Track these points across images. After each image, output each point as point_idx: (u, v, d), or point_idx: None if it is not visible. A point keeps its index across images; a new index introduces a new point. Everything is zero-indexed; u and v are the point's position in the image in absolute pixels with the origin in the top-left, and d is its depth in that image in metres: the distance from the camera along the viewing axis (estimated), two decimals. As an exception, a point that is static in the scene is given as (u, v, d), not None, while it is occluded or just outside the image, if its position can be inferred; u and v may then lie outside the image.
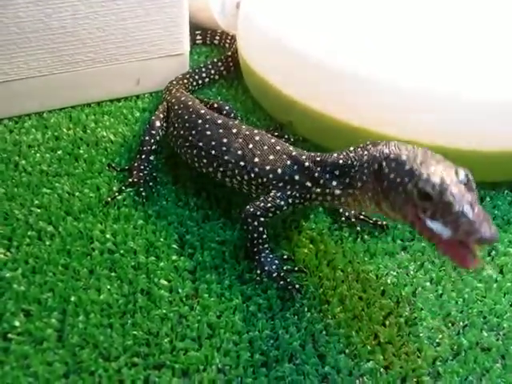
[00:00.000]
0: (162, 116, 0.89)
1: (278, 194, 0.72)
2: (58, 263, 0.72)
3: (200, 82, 1.07)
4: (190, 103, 0.87)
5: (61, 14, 0.92)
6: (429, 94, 0.79)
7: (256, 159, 0.75)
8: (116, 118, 0.99)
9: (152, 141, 0.87)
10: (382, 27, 0.89)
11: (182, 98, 0.89)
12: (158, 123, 0.88)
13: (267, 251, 0.73)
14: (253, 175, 0.74)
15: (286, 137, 0.93)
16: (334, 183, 0.69)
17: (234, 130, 0.78)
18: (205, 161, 0.79)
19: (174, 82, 1.01)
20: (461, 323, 0.69)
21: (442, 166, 0.59)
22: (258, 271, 0.72)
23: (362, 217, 0.80)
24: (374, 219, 0.79)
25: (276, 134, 0.94)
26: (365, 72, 0.81)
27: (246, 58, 1.02)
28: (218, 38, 1.22)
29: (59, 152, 0.90)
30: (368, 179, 0.65)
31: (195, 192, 0.83)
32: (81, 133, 0.94)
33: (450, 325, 0.69)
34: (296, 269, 0.72)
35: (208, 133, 0.80)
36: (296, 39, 0.89)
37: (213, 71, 1.09)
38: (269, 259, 0.72)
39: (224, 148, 0.77)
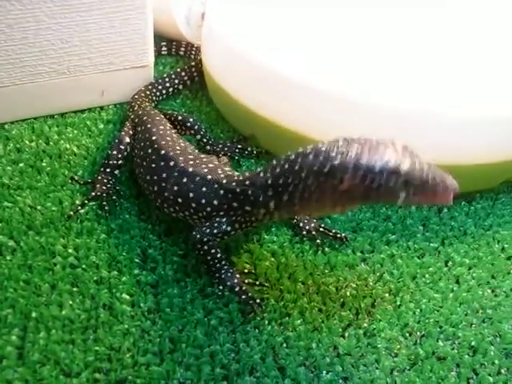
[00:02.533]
0: (130, 132, 0.89)
1: (223, 220, 0.72)
2: (19, 279, 0.72)
3: (164, 92, 1.08)
4: (148, 126, 0.86)
5: (23, 24, 0.91)
6: (392, 109, 0.80)
7: (191, 194, 0.73)
8: (79, 129, 0.98)
9: (119, 156, 0.87)
10: (349, 40, 0.90)
11: (143, 118, 0.89)
12: (126, 139, 0.88)
13: (226, 267, 0.73)
14: (192, 210, 0.74)
15: (249, 149, 0.95)
16: (272, 204, 0.68)
17: (172, 163, 0.76)
18: (152, 195, 0.79)
19: (137, 97, 1.01)
20: (418, 333, 0.71)
21: (388, 147, 0.60)
22: (220, 286, 0.72)
23: (321, 229, 0.81)
24: (334, 231, 0.81)
25: (239, 146, 0.95)
26: (329, 87, 0.82)
27: (209, 69, 1.02)
28: (183, 48, 1.22)
29: (21, 164, 0.89)
30: (322, 194, 0.62)
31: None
32: (43, 145, 0.94)
33: (407, 335, 0.70)
34: (257, 283, 0.73)
35: (153, 165, 0.78)
36: (258, 52, 0.89)
37: (176, 81, 1.09)
38: (229, 274, 0.73)
39: (163, 184, 0.76)
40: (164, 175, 0.76)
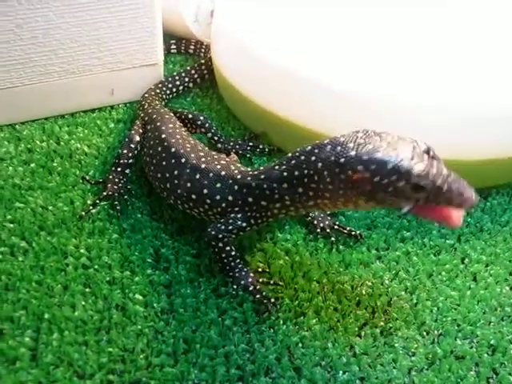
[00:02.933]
0: (140, 131, 0.89)
1: (239, 216, 0.71)
2: (32, 280, 0.72)
3: (174, 90, 1.07)
4: (158, 124, 0.86)
5: (32, 24, 0.91)
6: (404, 106, 0.79)
7: (205, 190, 0.73)
8: (90, 129, 0.98)
9: (130, 154, 0.87)
10: (357, 39, 0.89)
11: (153, 117, 0.89)
12: (137, 137, 0.88)
13: (240, 266, 0.73)
14: (207, 206, 0.73)
15: (261, 147, 0.94)
16: (287, 197, 0.67)
17: (183, 160, 0.76)
18: (165, 193, 0.79)
19: (147, 95, 1.00)
20: (435, 332, 0.70)
21: (407, 146, 0.58)
22: (234, 286, 0.72)
23: (336, 227, 0.80)
24: (349, 229, 0.80)
25: (251, 144, 0.94)
26: (338, 83, 0.81)
27: (219, 67, 1.02)
28: (192, 46, 1.21)
29: (32, 165, 0.89)
30: (336, 186, 0.61)
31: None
32: (54, 145, 0.93)
33: (424, 334, 0.69)
34: (271, 282, 0.73)
35: (164, 163, 0.78)
36: (268, 49, 0.89)
37: (187, 79, 1.09)
38: (243, 273, 0.72)
39: (176, 181, 0.76)
40: (176, 172, 0.76)
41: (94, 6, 0.94)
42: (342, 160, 0.60)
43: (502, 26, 0.94)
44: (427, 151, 0.59)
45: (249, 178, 0.71)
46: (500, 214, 0.86)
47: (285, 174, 0.66)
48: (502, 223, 0.84)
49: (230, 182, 0.72)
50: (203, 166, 0.74)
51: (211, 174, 0.73)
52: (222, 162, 0.76)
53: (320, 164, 0.62)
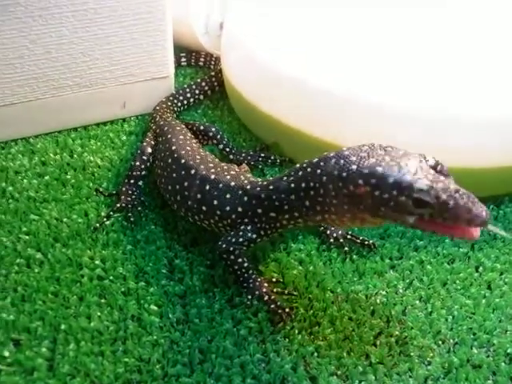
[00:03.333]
0: (152, 143, 0.90)
1: (249, 228, 0.71)
2: (48, 291, 0.72)
3: (185, 102, 1.08)
4: (168, 136, 0.86)
5: (45, 39, 0.93)
6: (416, 113, 0.79)
7: (215, 201, 0.73)
8: (102, 142, 0.99)
9: (142, 166, 0.87)
10: (369, 48, 0.90)
11: (164, 129, 0.90)
12: (149, 149, 0.88)
13: (253, 276, 0.72)
14: (217, 218, 0.73)
15: (273, 158, 0.94)
16: (295, 209, 0.67)
17: (192, 171, 0.76)
18: (175, 205, 0.79)
19: (158, 108, 1.01)
20: (451, 341, 0.69)
21: (412, 160, 0.57)
22: (249, 296, 0.72)
23: (349, 236, 0.80)
24: (361, 238, 0.80)
25: (263, 155, 0.94)
26: (350, 93, 0.82)
27: (229, 78, 1.02)
28: (202, 59, 1.23)
29: (46, 177, 0.90)
30: (340, 201, 0.61)
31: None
32: (68, 158, 0.94)
33: (440, 343, 0.69)
34: (286, 292, 0.73)
35: (174, 175, 0.79)
36: (278, 59, 0.89)
37: (197, 91, 1.10)
38: (257, 283, 0.72)
39: (186, 192, 0.76)
40: (186, 184, 0.76)
41: (106, 20, 0.95)
42: (344, 174, 0.60)
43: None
44: (435, 166, 0.58)
45: (258, 189, 0.71)
46: (513, 222, 0.86)
47: (292, 185, 0.67)
48: (516, 231, 0.84)
49: (240, 192, 0.72)
50: (213, 176, 0.75)
51: (221, 185, 0.73)
52: (232, 172, 0.76)
53: (325, 178, 0.62)
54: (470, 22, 0.97)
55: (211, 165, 0.78)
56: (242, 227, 0.71)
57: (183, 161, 0.79)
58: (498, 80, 0.84)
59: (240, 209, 0.72)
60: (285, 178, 0.68)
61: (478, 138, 0.79)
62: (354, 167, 0.59)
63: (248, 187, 0.72)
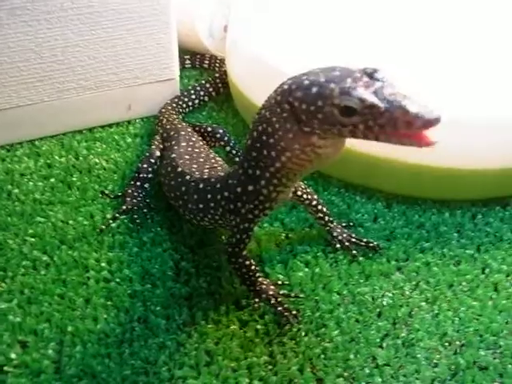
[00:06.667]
0: (161, 146, 0.90)
1: (238, 220, 0.69)
2: (54, 293, 0.72)
3: (190, 104, 1.08)
4: (173, 142, 0.86)
5: (51, 42, 0.93)
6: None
7: (208, 195, 0.73)
8: (108, 144, 0.99)
9: (149, 169, 0.88)
10: (372, 49, 0.89)
11: (170, 133, 0.90)
12: (157, 153, 0.89)
13: (260, 279, 0.72)
14: (212, 211, 0.72)
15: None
16: (260, 165, 0.64)
17: (188, 177, 0.76)
18: (181, 210, 0.79)
19: (164, 111, 1.01)
20: (457, 343, 0.69)
21: (340, 72, 0.54)
22: (255, 299, 0.71)
23: (353, 239, 0.80)
24: (366, 240, 0.80)
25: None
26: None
27: (234, 80, 1.02)
28: (207, 61, 1.23)
29: (52, 180, 0.90)
30: (284, 130, 0.58)
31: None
32: (73, 160, 0.95)
33: (446, 345, 0.69)
34: (292, 294, 0.72)
35: (172, 183, 0.79)
36: (283, 61, 0.89)
37: (202, 93, 1.10)
38: (264, 286, 0.71)
39: (185, 197, 0.76)
40: (184, 189, 0.76)
41: (111, 23, 0.96)
42: (279, 97, 0.58)
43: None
44: (371, 73, 0.54)
45: (230, 171, 0.70)
46: (519, 224, 0.86)
47: (249, 141, 0.64)
48: (522, 232, 0.84)
49: (218, 186, 0.72)
50: (206, 175, 0.75)
51: (212, 179, 0.73)
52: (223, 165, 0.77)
53: (268, 113, 0.60)
54: (470, 22, 0.97)
55: (207, 165, 0.78)
56: (233, 223, 0.70)
57: (180, 169, 0.79)
58: (503, 81, 0.84)
59: (223, 202, 0.70)
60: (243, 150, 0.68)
61: (481, 139, 0.79)
62: (286, 87, 0.57)
63: (222, 176, 0.72)
